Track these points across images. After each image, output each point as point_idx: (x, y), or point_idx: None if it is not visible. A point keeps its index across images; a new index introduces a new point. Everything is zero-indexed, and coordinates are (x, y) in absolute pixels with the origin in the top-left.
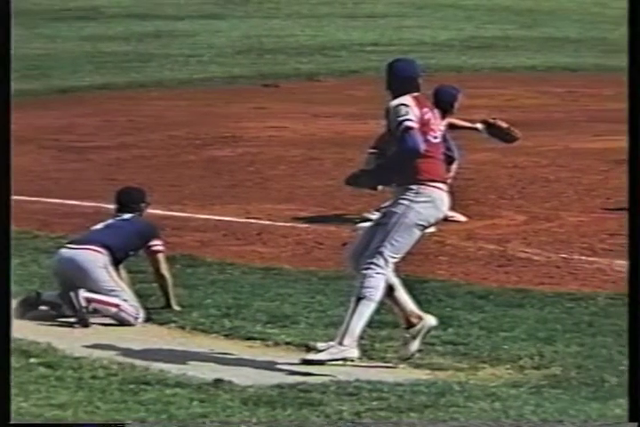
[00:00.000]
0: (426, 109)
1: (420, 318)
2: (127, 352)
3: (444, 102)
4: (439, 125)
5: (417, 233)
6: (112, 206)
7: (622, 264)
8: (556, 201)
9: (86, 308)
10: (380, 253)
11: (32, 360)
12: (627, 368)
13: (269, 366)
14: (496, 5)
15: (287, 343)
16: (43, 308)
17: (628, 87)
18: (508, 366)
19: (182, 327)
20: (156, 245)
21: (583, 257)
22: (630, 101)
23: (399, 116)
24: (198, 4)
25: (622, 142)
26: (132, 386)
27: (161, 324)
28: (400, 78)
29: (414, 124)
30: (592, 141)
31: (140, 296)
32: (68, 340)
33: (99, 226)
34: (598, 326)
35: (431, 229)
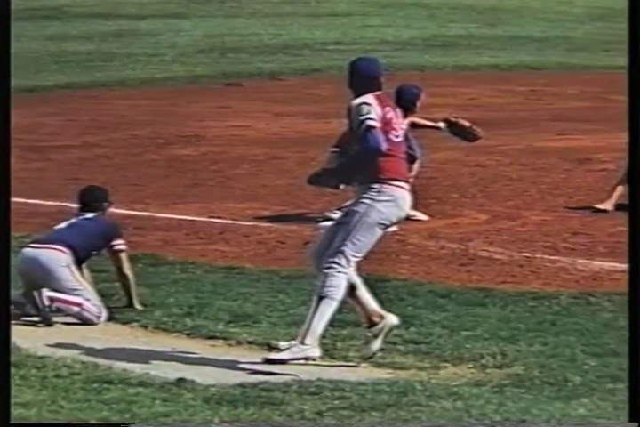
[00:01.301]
0: (388, 108)
1: (382, 317)
2: (90, 351)
3: (406, 101)
4: (401, 124)
5: (379, 232)
6: (75, 206)
7: (585, 263)
8: (519, 200)
9: (49, 307)
10: (342, 253)
11: None
12: (626, 369)
13: (232, 365)
14: (459, 4)
15: (249, 342)
16: None
17: (628, 87)
18: (471, 366)
19: (145, 326)
20: (119, 244)
21: (546, 256)
22: (630, 101)
23: (361, 115)
24: (161, 4)
25: (585, 141)
26: (95, 385)
27: (124, 323)
28: (362, 77)
29: (376, 123)
30: (555, 140)
31: (103, 295)
32: (32, 339)
33: (62, 225)
34: (561, 326)
35: (393, 228)
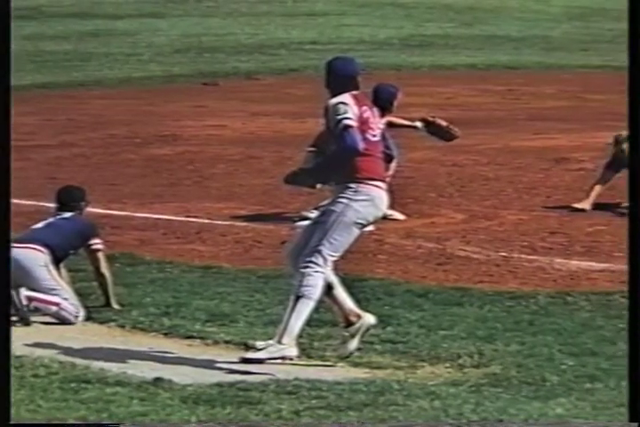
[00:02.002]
0: (365, 108)
1: (359, 317)
2: (68, 351)
3: (383, 100)
4: (378, 124)
5: (356, 231)
6: (53, 205)
7: (563, 262)
8: (496, 199)
9: (27, 306)
10: (319, 252)
11: None
12: (626, 369)
13: (209, 364)
14: (436, 3)
15: (226, 342)
16: None
17: (629, 87)
18: (448, 365)
19: (122, 326)
20: (96, 243)
21: (523, 255)
22: (630, 101)
23: (338, 115)
24: (138, 3)
25: (562, 141)
26: (72, 385)
27: (101, 322)
28: (339, 77)
29: (353, 123)
30: (532, 140)
31: (80, 295)
32: None
33: (39, 225)
34: (539, 325)
35: (370, 228)
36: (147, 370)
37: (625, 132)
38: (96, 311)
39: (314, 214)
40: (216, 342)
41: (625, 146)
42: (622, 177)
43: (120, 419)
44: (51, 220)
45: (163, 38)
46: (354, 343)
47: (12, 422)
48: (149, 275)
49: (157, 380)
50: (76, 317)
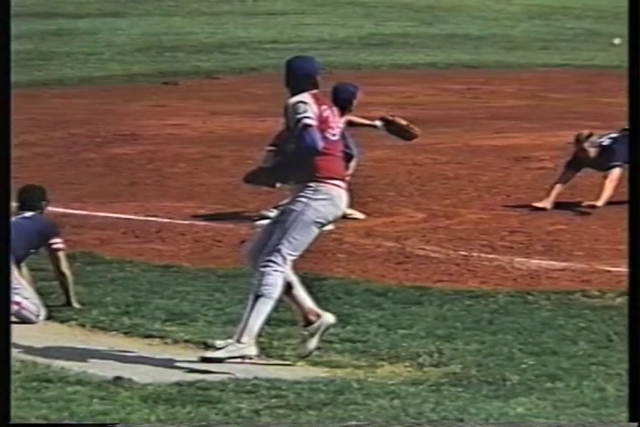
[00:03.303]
0: (324, 107)
1: (319, 316)
2: (29, 350)
3: (342, 100)
4: (338, 123)
5: (315, 231)
6: (13, 204)
7: (523, 261)
8: (456, 198)
9: None
10: (278, 251)
11: None
12: (626, 370)
13: (168, 363)
14: (395, 2)
15: (186, 341)
16: None
17: (629, 87)
18: (407, 364)
19: (82, 325)
20: (57, 242)
21: (483, 254)
22: (630, 101)
23: (297, 114)
24: (99, 3)
25: (523, 139)
26: (34, 384)
27: (62, 322)
28: (298, 76)
29: (313, 122)
30: (492, 139)
31: (41, 294)
32: None
33: None
34: (499, 324)
35: (329, 227)
36: (107, 369)
37: (586, 131)
38: (57, 310)
39: (273, 213)
40: (176, 342)
41: (586, 145)
42: (583, 176)
43: (81, 418)
44: (11, 219)
45: (123, 37)
46: (313, 343)
47: (11, 422)
48: (109, 274)
49: (117, 379)
50: (37, 316)
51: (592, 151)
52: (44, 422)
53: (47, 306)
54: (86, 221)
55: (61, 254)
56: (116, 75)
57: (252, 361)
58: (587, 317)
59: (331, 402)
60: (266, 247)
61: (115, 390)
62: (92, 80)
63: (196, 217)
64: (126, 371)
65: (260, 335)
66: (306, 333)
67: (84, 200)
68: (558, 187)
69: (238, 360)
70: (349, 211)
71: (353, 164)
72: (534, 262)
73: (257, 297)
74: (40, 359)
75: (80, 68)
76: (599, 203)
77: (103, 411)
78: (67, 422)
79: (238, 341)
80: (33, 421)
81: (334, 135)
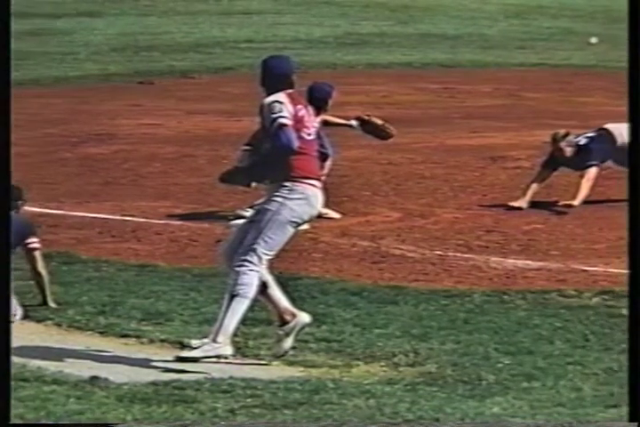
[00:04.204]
0: (300, 106)
1: (294, 316)
2: None
3: (318, 99)
4: (313, 122)
5: (290, 230)
6: None
7: (499, 261)
8: (431, 198)
9: None
10: (254, 251)
11: None
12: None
13: (144, 363)
14: (371, 2)
15: (162, 341)
16: None
17: (629, 87)
18: (383, 364)
19: (59, 325)
20: (33, 242)
21: (458, 254)
22: (630, 101)
23: (273, 113)
24: (76, 2)
25: (498, 139)
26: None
27: (38, 321)
28: (274, 75)
29: (288, 122)
30: (468, 138)
31: (17, 293)
32: None
33: None
34: (474, 324)
35: (305, 226)
36: (83, 369)
37: (562, 131)
38: (33, 310)
39: (249, 213)
40: (151, 341)
41: (562, 144)
42: (559, 175)
43: (57, 417)
44: None
45: (99, 37)
46: (289, 342)
47: (11, 422)
48: (85, 274)
49: (93, 378)
50: (14, 315)
51: (568, 150)
52: (45, 422)
53: (23, 305)
54: (62, 220)
55: (37, 254)
56: (92, 74)
57: (227, 361)
58: (563, 316)
59: (306, 402)
60: (241, 247)
61: (91, 389)
62: (68, 80)
63: (171, 217)
64: (102, 370)
65: (235, 335)
66: (281, 332)
67: (60, 200)
68: (534, 186)
69: (214, 360)
70: (325, 210)
71: (328, 163)
72: (510, 262)
73: (232, 297)
74: (16, 359)
75: (56, 67)
76: (575, 202)
77: (79, 410)
78: (67, 422)
79: (214, 340)
80: (28, 421)
81: (310, 135)
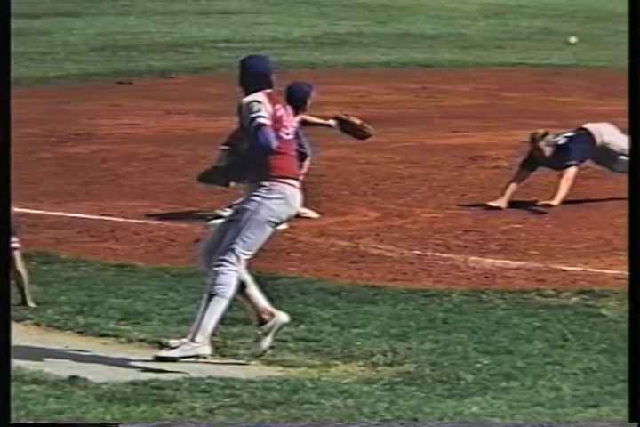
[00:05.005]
0: (278, 106)
1: (272, 315)
2: None
3: (296, 99)
4: (292, 122)
5: (269, 230)
6: None
7: (477, 260)
8: (410, 197)
9: None
10: (232, 250)
11: None
12: (626, 369)
13: (123, 362)
14: (350, 2)
15: (140, 340)
16: None
17: (629, 87)
18: (361, 363)
19: (38, 324)
20: (12, 242)
21: (437, 253)
22: (630, 101)
23: (251, 113)
24: (54, 2)
25: (477, 139)
26: None
27: (17, 321)
28: (252, 75)
29: (267, 121)
30: (447, 138)
31: None
32: None
33: None
34: (453, 323)
35: (283, 226)
36: (62, 368)
37: (542, 130)
38: (12, 309)
39: (227, 213)
40: (130, 341)
41: (542, 144)
42: (538, 175)
43: (36, 417)
44: None
45: (78, 37)
46: (267, 342)
47: (11, 422)
48: (64, 273)
49: (73, 378)
50: None
51: (547, 150)
52: (46, 422)
53: None
54: (41, 220)
55: (17, 254)
56: (71, 74)
57: (205, 360)
58: (542, 316)
59: (284, 401)
60: (220, 247)
61: (70, 389)
62: (48, 80)
63: (150, 216)
64: (81, 370)
65: (213, 334)
66: (259, 332)
67: (40, 199)
68: (513, 186)
69: (192, 359)
70: (303, 210)
71: (307, 163)
72: (489, 261)
73: (211, 296)
74: None
75: (35, 67)
76: (554, 202)
77: (59, 410)
78: (47, 421)
79: (192, 340)
80: (23, 421)
81: (288, 134)
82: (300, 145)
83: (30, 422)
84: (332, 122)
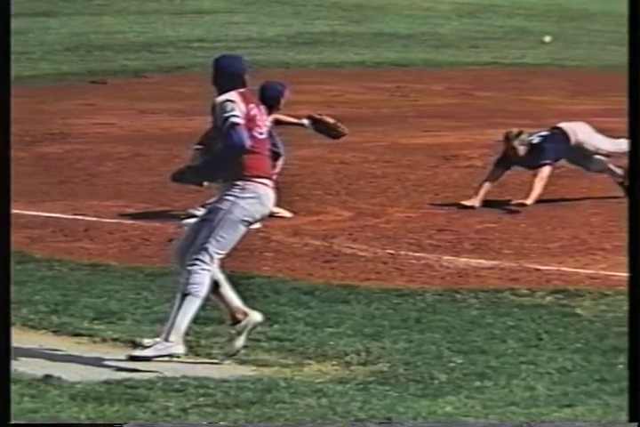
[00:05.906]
0: (252, 105)
1: (246, 315)
2: None
3: (270, 98)
4: (265, 121)
5: (242, 229)
6: None
7: (451, 260)
8: (383, 197)
9: None
10: (206, 250)
11: None
12: (626, 368)
13: (97, 362)
14: (324, 1)
15: (114, 340)
16: None
17: (629, 87)
18: (335, 363)
19: (13, 324)
20: None
21: (410, 253)
22: (630, 101)
23: (225, 113)
24: (30, 2)
25: (451, 138)
26: None
27: None
28: (226, 74)
29: (240, 120)
30: (420, 137)
31: None
32: None
33: None
34: (426, 323)
35: (256, 226)
36: (37, 367)
37: (516, 129)
38: None
39: (201, 212)
40: (104, 340)
41: (516, 143)
42: (512, 174)
43: (12, 416)
44: None
45: (53, 37)
46: (240, 341)
47: (12, 422)
48: (38, 273)
49: (47, 377)
50: None
51: (521, 149)
52: (44, 422)
53: None
54: (16, 219)
55: None
56: (46, 74)
57: (179, 360)
58: (516, 315)
59: (258, 401)
60: (193, 246)
61: (45, 388)
62: (23, 79)
63: (123, 216)
64: (55, 369)
65: (187, 334)
66: (233, 331)
67: (14, 199)
68: (487, 185)
69: (166, 359)
70: (276, 209)
71: (280, 162)
72: (462, 261)
73: (184, 296)
74: None
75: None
76: (528, 201)
77: (33, 409)
78: (22, 421)
79: (166, 339)
80: (24, 421)
81: (261, 134)
82: (274, 144)
83: (30, 423)
84: (305, 121)
